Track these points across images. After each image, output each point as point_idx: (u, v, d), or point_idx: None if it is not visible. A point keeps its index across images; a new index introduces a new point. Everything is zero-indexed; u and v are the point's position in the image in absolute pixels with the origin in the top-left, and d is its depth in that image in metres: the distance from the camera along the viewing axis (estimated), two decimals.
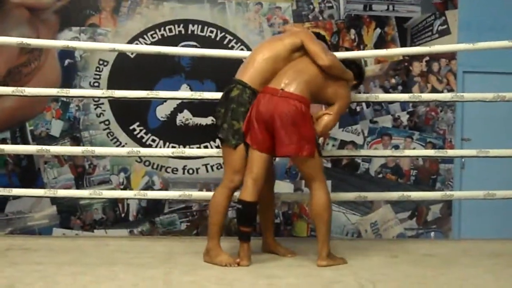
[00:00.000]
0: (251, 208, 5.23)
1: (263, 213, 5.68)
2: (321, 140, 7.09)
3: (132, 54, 7.09)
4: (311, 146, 5.18)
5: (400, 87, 7.32)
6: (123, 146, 7.05)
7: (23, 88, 5.93)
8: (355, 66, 5.71)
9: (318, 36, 5.70)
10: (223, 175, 5.51)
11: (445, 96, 6.70)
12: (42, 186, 6.95)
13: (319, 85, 5.30)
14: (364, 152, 6.91)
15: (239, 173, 5.27)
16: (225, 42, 7.17)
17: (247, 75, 5.33)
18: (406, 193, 6.21)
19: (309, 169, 5.25)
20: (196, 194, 6.37)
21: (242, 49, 7.12)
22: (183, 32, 7.16)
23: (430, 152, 6.62)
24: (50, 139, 7.02)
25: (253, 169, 5.20)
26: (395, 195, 6.27)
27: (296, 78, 5.23)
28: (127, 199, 7.02)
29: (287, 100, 5.12)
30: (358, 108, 7.30)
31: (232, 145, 5.25)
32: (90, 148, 6.10)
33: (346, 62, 5.64)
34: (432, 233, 7.37)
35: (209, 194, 5.60)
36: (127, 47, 6.78)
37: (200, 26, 7.18)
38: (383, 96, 6.46)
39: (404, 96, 6.25)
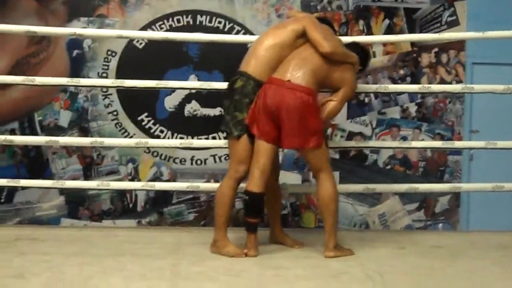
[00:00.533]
0: (258, 199, 5.22)
1: (269, 204, 5.67)
2: (329, 131, 7.09)
3: (140, 44, 7.09)
4: (318, 137, 5.15)
5: (408, 78, 7.30)
6: (131, 136, 7.06)
7: (33, 77, 5.92)
8: (361, 50, 5.64)
9: (324, 21, 5.63)
10: (228, 167, 5.51)
11: (455, 87, 6.67)
12: (50, 176, 6.97)
13: (325, 72, 5.24)
14: (372, 143, 6.88)
15: (244, 163, 5.24)
16: (233, 33, 7.16)
17: (251, 66, 5.29)
18: (414, 185, 6.18)
19: (315, 160, 5.24)
20: (203, 185, 6.36)
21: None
22: (191, 23, 7.15)
23: (438, 144, 6.59)
24: (58, 130, 7.04)
25: (259, 160, 5.18)
26: (403, 187, 6.24)
27: (301, 67, 5.18)
28: (135, 190, 7.03)
29: (294, 92, 5.09)
30: (366, 99, 7.28)
31: (235, 136, 5.22)
32: (98, 139, 6.10)
33: (352, 46, 5.59)
34: (440, 225, 7.37)
35: (217, 185, 5.59)
36: (134, 33, 6.74)
37: (208, 17, 7.18)
38: (392, 87, 6.40)
39: (414, 87, 6.22)
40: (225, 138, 5.68)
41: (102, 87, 6.84)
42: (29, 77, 5.90)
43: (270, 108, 5.10)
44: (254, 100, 5.19)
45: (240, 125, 5.20)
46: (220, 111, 6.28)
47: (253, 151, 5.23)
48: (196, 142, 6.21)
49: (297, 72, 5.15)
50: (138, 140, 6.12)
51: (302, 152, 5.39)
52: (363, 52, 5.61)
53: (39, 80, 5.86)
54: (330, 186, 5.23)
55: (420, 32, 7.32)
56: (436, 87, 6.48)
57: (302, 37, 5.31)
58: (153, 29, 7.10)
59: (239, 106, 5.20)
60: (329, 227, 5.23)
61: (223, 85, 5.91)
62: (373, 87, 6.23)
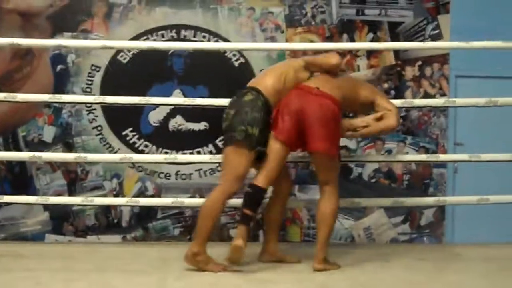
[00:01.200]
0: (260, 194, 5.18)
1: (273, 215, 5.61)
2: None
3: (124, 59, 7.08)
4: (337, 148, 5.24)
5: (392, 92, 7.32)
6: (115, 151, 7.04)
7: (15, 94, 5.90)
8: None
9: None
10: (221, 178, 5.43)
11: (438, 101, 6.71)
12: (34, 192, 6.93)
13: (349, 91, 5.39)
14: (357, 157, 6.93)
15: (241, 180, 5.19)
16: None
17: (262, 84, 5.31)
18: (399, 199, 6.19)
19: (327, 170, 5.27)
20: (188, 201, 6.35)
21: (234, 55, 7.12)
22: (175, 37, 7.15)
23: (423, 157, 6.62)
24: (42, 145, 7.01)
25: (271, 159, 5.17)
26: (388, 201, 6.26)
27: (328, 82, 5.32)
28: (120, 206, 7.01)
29: (322, 98, 5.16)
30: (351, 113, 7.29)
31: (246, 149, 5.17)
32: (82, 155, 6.08)
33: None
34: (425, 238, 7.37)
35: (202, 200, 5.55)
36: (118, 43, 6.63)
37: (192, 31, 7.18)
38: None
39: (396, 102, 6.25)
40: (210, 152, 5.61)
41: (84, 103, 6.81)
42: (11, 94, 5.88)
43: (296, 110, 5.13)
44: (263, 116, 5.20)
45: (250, 139, 5.13)
46: (205, 125, 6.29)
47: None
48: (181, 157, 6.20)
49: (324, 84, 5.26)
50: (122, 156, 6.11)
51: (317, 159, 5.34)
52: None
53: (21, 96, 5.84)
54: (334, 201, 5.27)
55: (403, 48, 7.32)
56: (418, 102, 6.51)
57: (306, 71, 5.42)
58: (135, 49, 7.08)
59: (250, 120, 5.14)
60: (322, 239, 5.24)
61: (206, 101, 5.92)
62: None
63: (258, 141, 5.14)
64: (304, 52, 6.44)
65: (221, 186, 5.27)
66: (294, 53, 7.06)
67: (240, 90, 5.39)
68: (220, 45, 6.95)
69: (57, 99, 5.97)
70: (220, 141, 5.24)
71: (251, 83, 5.48)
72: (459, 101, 6.15)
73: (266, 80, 5.35)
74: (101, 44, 6.17)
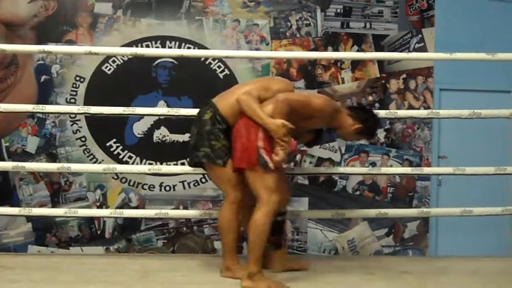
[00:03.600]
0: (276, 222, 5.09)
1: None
2: (298, 156, 7.11)
3: (108, 70, 7.08)
4: (246, 161, 4.89)
5: (377, 105, 7.34)
6: (99, 162, 7.03)
7: None
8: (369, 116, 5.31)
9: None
10: (224, 195, 5.28)
11: (421, 113, 6.68)
12: (17, 203, 6.91)
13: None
14: (341, 169, 6.87)
15: (238, 188, 5.09)
16: (202, 59, 7.16)
17: (223, 102, 5.17)
18: (383, 210, 6.16)
19: (251, 184, 4.96)
20: (172, 212, 6.31)
21: (219, 66, 7.14)
22: (160, 48, 7.14)
23: (407, 170, 6.61)
24: (26, 156, 6.99)
25: (253, 186, 5.00)
26: (372, 212, 6.24)
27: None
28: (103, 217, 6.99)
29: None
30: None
31: (219, 165, 5.06)
32: (66, 165, 6.03)
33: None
34: (410, 251, 7.38)
35: (186, 212, 5.54)
36: (103, 49, 6.37)
37: (177, 43, 7.18)
38: None
39: (380, 113, 6.23)
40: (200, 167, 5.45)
41: (68, 113, 6.77)
42: None
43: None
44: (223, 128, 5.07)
45: (222, 151, 5.06)
46: (189, 137, 6.25)
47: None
48: (165, 168, 6.14)
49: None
50: (106, 166, 6.05)
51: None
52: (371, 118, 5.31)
53: (4, 107, 5.79)
54: (261, 218, 4.82)
55: (388, 58, 7.35)
56: (402, 113, 6.46)
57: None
58: (121, 55, 7.06)
59: (213, 136, 5.07)
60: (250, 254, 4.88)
61: (191, 111, 5.88)
62: None
63: (226, 150, 5.05)
64: (289, 62, 6.42)
65: (226, 199, 5.09)
66: (280, 64, 7.08)
67: (202, 106, 5.24)
68: (203, 52, 6.88)
69: (41, 109, 5.91)
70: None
71: (217, 97, 5.30)
72: (443, 112, 6.14)
73: (229, 98, 5.19)
74: (84, 49, 6.06)
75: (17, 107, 5.95)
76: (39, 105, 5.98)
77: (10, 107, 5.83)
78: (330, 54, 7.12)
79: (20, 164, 5.83)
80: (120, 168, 6.30)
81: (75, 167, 6.06)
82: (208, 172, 5.21)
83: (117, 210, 6.35)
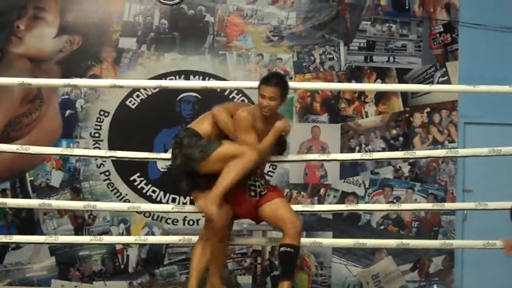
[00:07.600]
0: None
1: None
2: (322, 190, 7.09)
3: (133, 104, 7.10)
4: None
5: (401, 138, 7.31)
6: (123, 197, 7.03)
7: (27, 146, 5.80)
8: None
9: None
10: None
11: (440, 152, 6.54)
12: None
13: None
14: (362, 206, 6.75)
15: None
16: (226, 93, 7.17)
17: (199, 126, 5.07)
18: (404, 241, 6.06)
19: None
20: (195, 238, 6.22)
21: (243, 100, 7.13)
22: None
23: (428, 206, 6.47)
24: (50, 190, 7.01)
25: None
26: (393, 242, 6.14)
27: None
28: (127, 248, 6.96)
29: None
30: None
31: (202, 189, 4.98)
32: (91, 203, 5.97)
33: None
34: (435, 286, 7.30)
35: None
36: (127, 82, 6.41)
37: (201, 77, 7.20)
38: (377, 155, 6.12)
39: (398, 154, 6.14)
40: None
41: (95, 157, 6.74)
42: (24, 146, 5.79)
43: None
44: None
45: (214, 142, 4.98)
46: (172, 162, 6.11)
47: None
48: (188, 207, 6.01)
49: None
50: (130, 205, 5.99)
51: None
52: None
53: (33, 149, 5.73)
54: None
55: (412, 92, 7.33)
56: (421, 153, 6.32)
57: None
58: (146, 89, 7.09)
59: (198, 140, 4.92)
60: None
61: None
62: (358, 155, 6.20)
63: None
64: (313, 96, 6.38)
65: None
66: (303, 99, 7.09)
67: (181, 131, 5.14)
68: (226, 84, 6.85)
69: (69, 152, 5.87)
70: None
71: (194, 122, 5.21)
72: (462, 151, 6.07)
73: (206, 123, 5.10)
74: (110, 83, 6.01)
75: (46, 150, 5.90)
76: (68, 149, 5.99)
77: (39, 150, 5.75)
78: (352, 86, 7.13)
79: (46, 201, 5.80)
80: (144, 206, 6.19)
81: (100, 205, 6.01)
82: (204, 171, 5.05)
83: (142, 236, 6.35)
